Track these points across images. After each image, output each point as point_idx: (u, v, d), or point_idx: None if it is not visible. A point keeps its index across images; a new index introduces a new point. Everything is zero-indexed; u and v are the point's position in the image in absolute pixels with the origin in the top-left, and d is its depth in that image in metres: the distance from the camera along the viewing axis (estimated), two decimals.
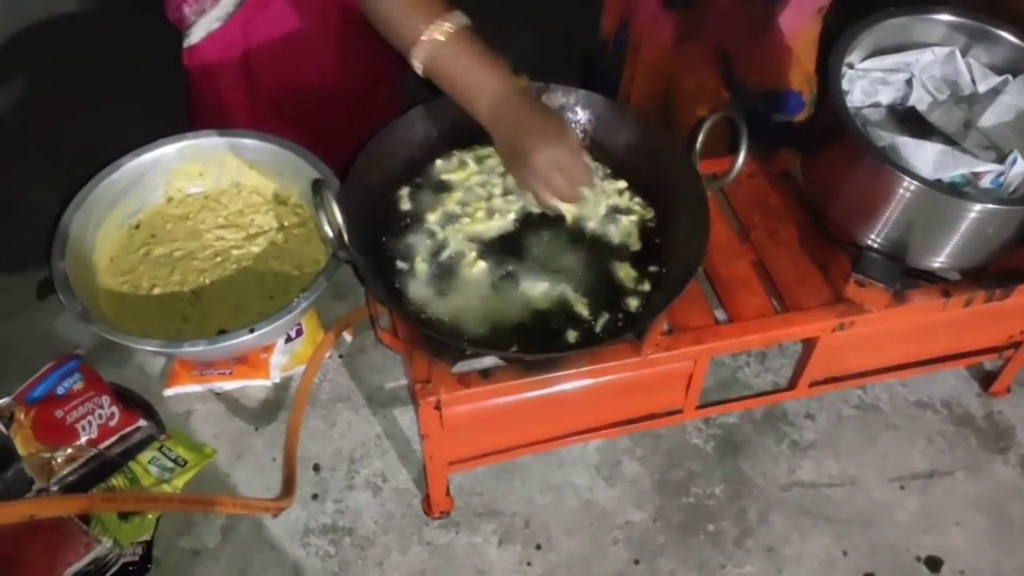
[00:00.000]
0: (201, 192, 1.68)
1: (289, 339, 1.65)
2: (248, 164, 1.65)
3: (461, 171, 1.44)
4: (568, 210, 1.35)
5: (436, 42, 1.25)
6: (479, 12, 1.29)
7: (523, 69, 1.32)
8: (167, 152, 1.62)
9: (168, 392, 1.64)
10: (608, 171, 1.46)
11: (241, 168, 1.66)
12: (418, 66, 1.28)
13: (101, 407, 1.53)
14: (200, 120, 1.70)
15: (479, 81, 1.27)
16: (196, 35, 1.58)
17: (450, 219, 1.39)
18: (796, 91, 1.57)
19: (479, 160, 1.46)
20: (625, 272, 1.36)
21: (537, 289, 1.33)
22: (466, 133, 1.46)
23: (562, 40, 1.95)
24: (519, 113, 1.28)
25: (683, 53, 1.67)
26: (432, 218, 1.39)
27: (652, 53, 1.70)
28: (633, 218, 1.41)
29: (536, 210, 1.38)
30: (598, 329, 1.30)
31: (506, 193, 1.42)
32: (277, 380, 1.65)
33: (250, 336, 1.41)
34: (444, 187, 1.43)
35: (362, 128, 1.37)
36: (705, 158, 1.39)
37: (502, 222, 1.39)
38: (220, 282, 1.57)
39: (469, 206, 1.41)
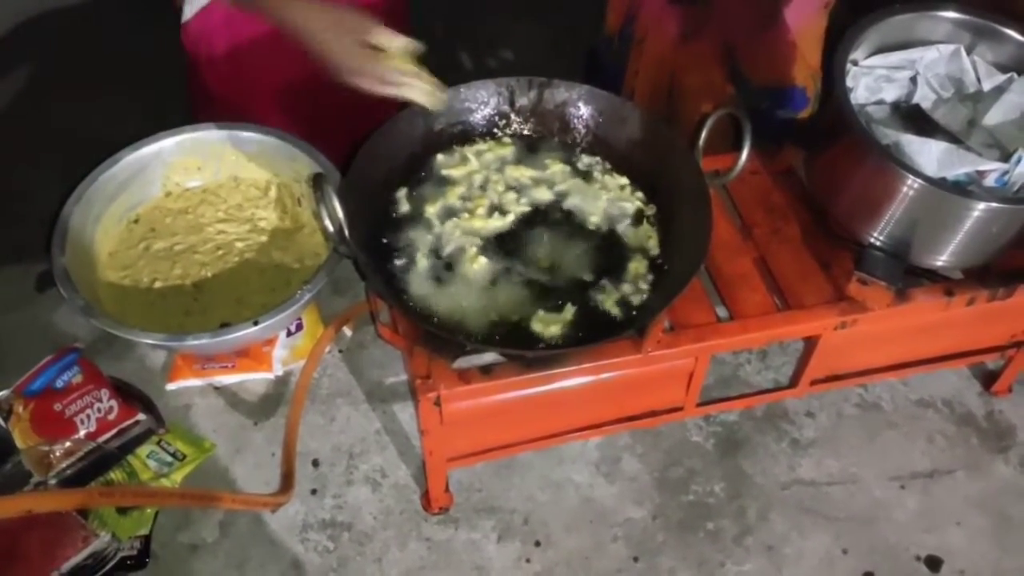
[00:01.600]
0: (199, 186, 1.67)
1: (289, 333, 1.64)
2: (247, 157, 1.65)
3: (462, 166, 1.44)
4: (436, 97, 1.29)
5: None
6: (484, 7, 1.28)
7: (527, 63, 1.31)
8: (166, 145, 1.61)
9: (170, 386, 1.63)
10: (608, 165, 1.46)
11: (240, 161, 1.65)
12: None
13: (100, 400, 1.53)
14: (201, 112, 1.69)
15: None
16: (189, 10, 1.56)
17: (451, 215, 1.38)
18: (800, 87, 1.56)
19: (479, 155, 1.45)
20: (634, 268, 1.35)
21: (538, 285, 1.32)
22: (469, 128, 1.46)
23: (565, 35, 1.94)
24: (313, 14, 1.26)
25: (688, 48, 1.66)
26: (433, 213, 1.38)
27: (657, 48, 1.69)
28: (650, 227, 1.40)
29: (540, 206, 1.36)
30: (599, 326, 1.29)
31: (507, 189, 1.41)
32: (280, 373, 1.65)
33: (254, 329, 1.40)
34: (445, 182, 1.42)
35: (364, 122, 1.36)
36: (708, 154, 1.39)
37: (503, 218, 1.39)
38: (222, 275, 1.57)
39: (470, 202, 1.40)
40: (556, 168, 1.45)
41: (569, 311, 1.30)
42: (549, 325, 1.28)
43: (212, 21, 1.58)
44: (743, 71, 1.63)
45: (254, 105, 1.66)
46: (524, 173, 1.44)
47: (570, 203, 1.41)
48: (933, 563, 1.51)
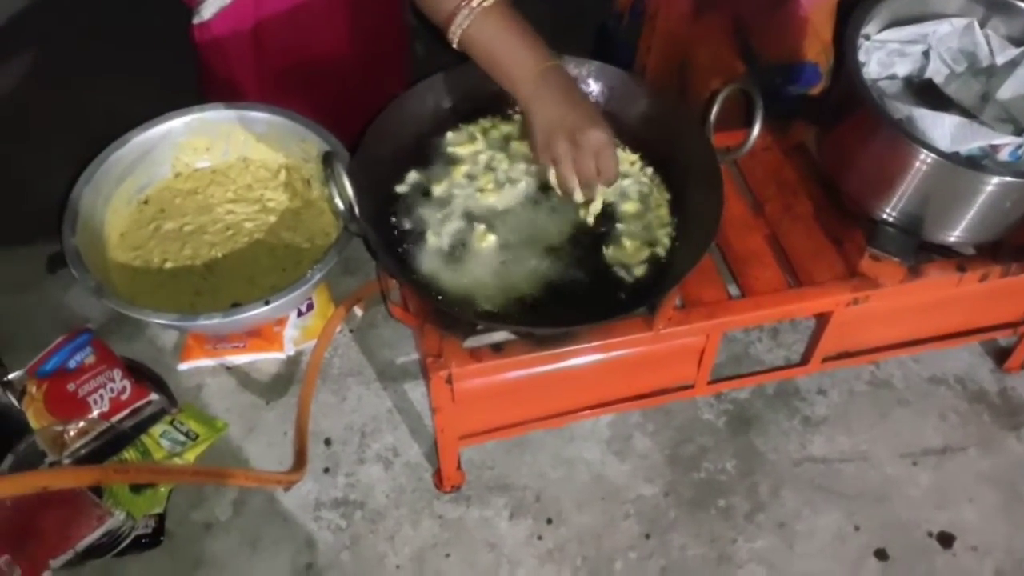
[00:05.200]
0: (208, 167, 1.67)
1: (300, 314, 1.64)
2: (256, 137, 1.64)
3: (471, 144, 1.43)
4: (581, 198, 1.31)
5: (475, 13, 1.23)
6: None
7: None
8: (175, 126, 1.61)
9: (182, 366, 1.64)
10: (618, 141, 1.45)
11: (249, 141, 1.65)
12: (455, 37, 1.26)
13: (113, 381, 1.54)
14: (211, 95, 1.68)
15: (520, 56, 1.24)
16: (208, 11, 1.56)
17: (460, 192, 1.38)
18: (812, 63, 1.55)
19: (485, 133, 1.45)
20: (635, 247, 1.34)
21: (547, 262, 1.32)
22: (477, 106, 1.45)
23: (575, 11, 1.92)
24: (563, 91, 1.25)
25: (700, 24, 1.65)
26: (441, 191, 1.38)
27: (668, 24, 1.68)
28: (663, 211, 1.39)
29: (548, 182, 1.36)
30: (610, 303, 1.29)
31: (514, 165, 1.41)
32: (291, 353, 1.65)
33: (265, 308, 1.40)
34: (454, 160, 1.42)
35: (372, 100, 1.36)
36: (719, 131, 1.38)
37: (512, 195, 1.38)
38: (232, 255, 1.57)
39: (478, 179, 1.39)
40: None
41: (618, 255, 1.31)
42: (560, 301, 1.28)
43: (240, 11, 1.57)
44: (754, 46, 1.62)
45: (268, 88, 1.66)
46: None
47: None
48: (945, 539, 1.51)
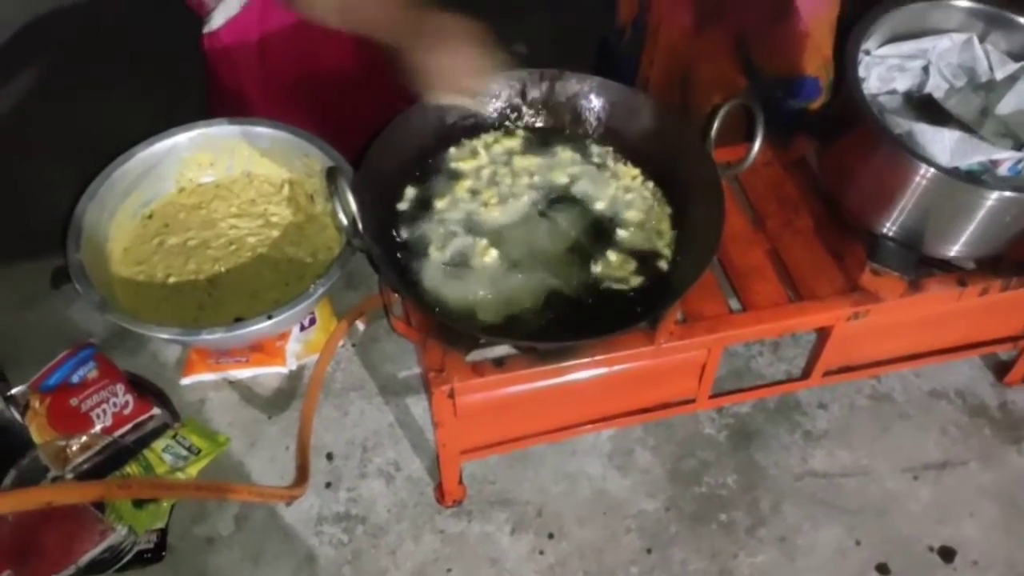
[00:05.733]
0: (212, 182, 1.68)
1: (303, 328, 1.65)
2: (260, 152, 1.65)
3: (473, 159, 1.44)
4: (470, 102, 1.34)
5: None
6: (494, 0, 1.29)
7: (537, 54, 1.30)
8: (179, 141, 1.62)
9: (185, 381, 1.64)
10: (619, 156, 1.46)
11: (253, 156, 1.66)
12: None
13: (115, 395, 1.54)
14: (219, 107, 1.69)
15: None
16: (216, 21, 1.58)
17: (462, 207, 1.39)
18: (813, 77, 1.55)
19: (488, 148, 1.45)
20: (620, 260, 1.35)
21: (549, 276, 1.32)
22: (479, 120, 1.46)
23: (576, 26, 1.93)
24: (415, 22, 1.27)
25: (701, 38, 1.66)
26: (444, 206, 1.39)
27: (670, 38, 1.69)
28: (665, 226, 1.40)
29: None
30: (611, 318, 1.29)
31: (516, 179, 1.42)
32: (294, 367, 1.66)
33: (268, 323, 1.41)
34: (456, 175, 1.42)
35: (378, 116, 1.37)
36: (720, 146, 1.38)
37: (515, 209, 1.39)
38: (235, 270, 1.57)
39: (481, 194, 1.40)
40: (565, 156, 1.45)
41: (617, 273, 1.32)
42: (562, 316, 1.28)
43: (246, 22, 1.58)
44: (756, 61, 1.63)
45: (274, 101, 1.67)
46: (532, 162, 1.44)
47: (579, 190, 1.41)
48: (947, 554, 1.51)
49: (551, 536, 1.51)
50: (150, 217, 1.64)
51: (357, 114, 1.43)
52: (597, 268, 1.33)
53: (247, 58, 1.63)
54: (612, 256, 1.35)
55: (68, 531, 1.40)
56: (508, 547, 1.50)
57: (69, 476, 1.46)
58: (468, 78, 1.29)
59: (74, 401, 1.53)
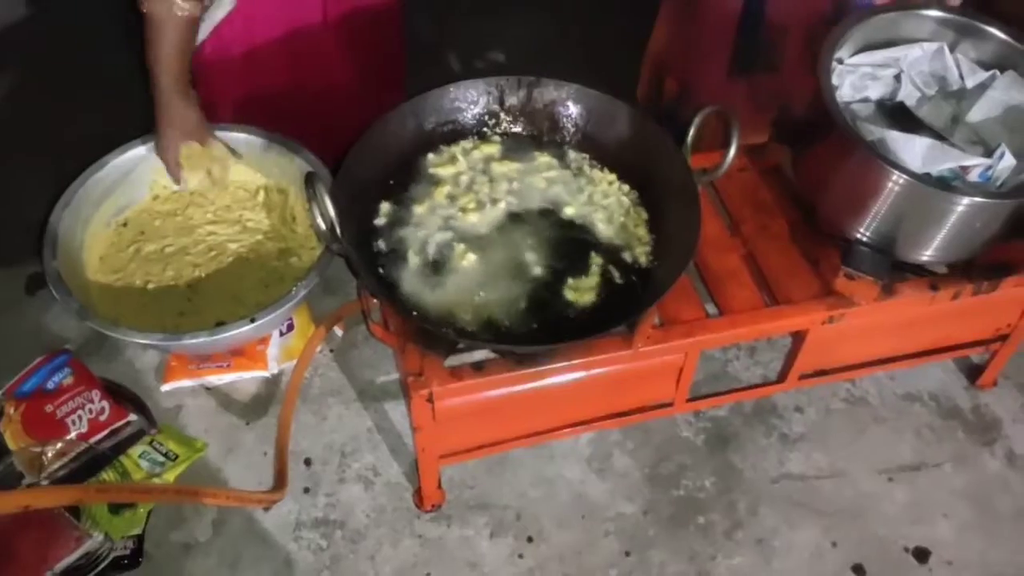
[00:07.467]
0: (186, 189, 1.67)
1: (281, 334, 1.65)
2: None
3: (451, 165, 1.45)
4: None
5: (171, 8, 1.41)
6: (472, 8, 1.29)
7: (524, 57, 1.30)
8: (153, 148, 1.60)
9: (165, 387, 1.63)
10: (596, 162, 1.47)
11: None
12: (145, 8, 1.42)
13: (91, 401, 1.53)
14: (206, 111, 1.68)
15: (168, 67, 1.46)
16: (203, 33, 1.57)
17: (440, 213, 1.39)
18: None
19: (466, 154, 1.46)
20: (614, 265, 1.36)
21: (527, 282, 1.33)
22: (457, 127, 1.47)
23: (562, 30, 1.94)
24: (163, 102, 1.49)
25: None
26: (422, 212, 1.39)
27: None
28: (641, 231, 1.41)
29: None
30: (589, 321, 1.30)
31: (494, 185, 1.42)
32: (275, 371, 1.65)
33: (250, 326, 1.40)
34: (435, 181, 1.43)
35: (361, 125, 1.37)
36: (696, 152, 1.40)
37: (493, 215, 1.40)
38: (215, 275, 1.57)
39: (459, 200, 1.41)
40: (543, 161, 1.46)
41: (594, 278, 1.33)
42: (540, 320, 1.29)
43: (229, 32, 1.58)
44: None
45: (260, 110, 1.66)
46: (510, 168, 1.45)
47: (556, 195, 1.42)
48: (921, 555, 1.53)
49: (530, 540, 1.52)
50: (125, 225, 1.62)
51: (345, 123, 1.43)
52: (574, 273, 1.34)
53: (230, 68, 1.63)
54: (589, 261, 1.36)
55: (43, 538, 1.39)
56: (487, 551, 1.50)
57: (44, 482, 1.45)
58: (174, 163, 1.57)
59: (49, 407, 1.52)
